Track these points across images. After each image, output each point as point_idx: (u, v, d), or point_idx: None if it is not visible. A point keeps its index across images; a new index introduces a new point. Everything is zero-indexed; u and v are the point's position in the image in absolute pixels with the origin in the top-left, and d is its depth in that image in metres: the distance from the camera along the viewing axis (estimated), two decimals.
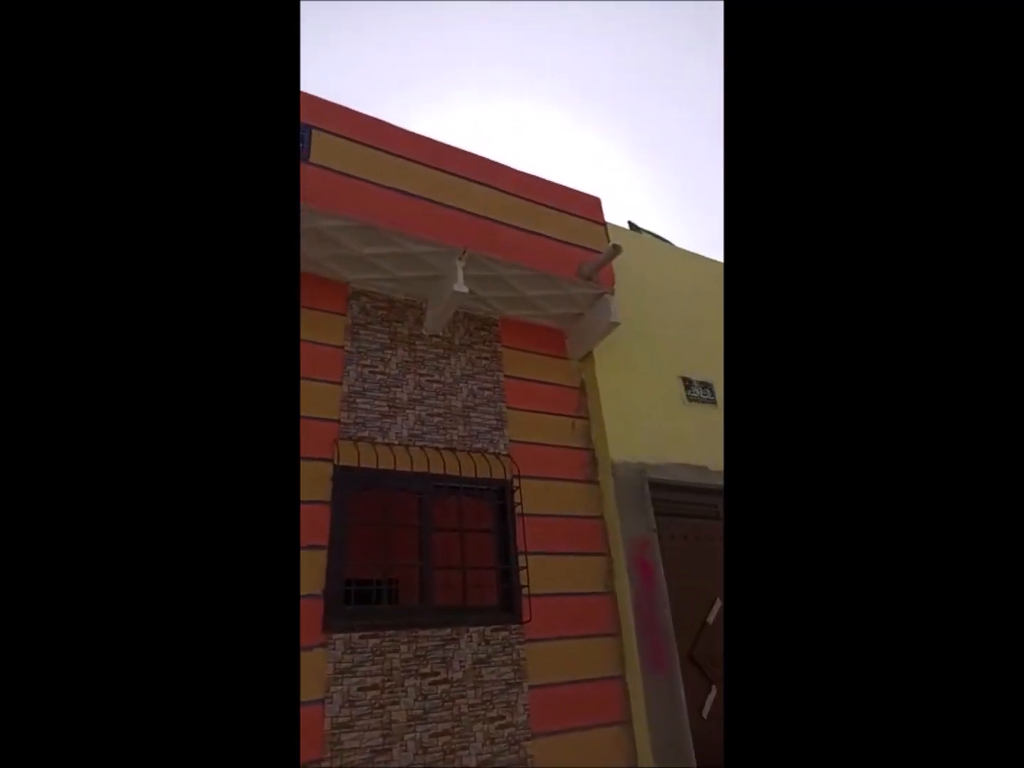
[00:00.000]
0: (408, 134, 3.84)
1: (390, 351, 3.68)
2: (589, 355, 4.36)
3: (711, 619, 4.04)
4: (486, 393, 3.91)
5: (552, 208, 4.20)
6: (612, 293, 4.18)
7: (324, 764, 2.68)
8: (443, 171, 3.83)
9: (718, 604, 4.10)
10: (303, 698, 2.73)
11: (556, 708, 3.31)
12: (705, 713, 3.74)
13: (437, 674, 3.08)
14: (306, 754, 2.66)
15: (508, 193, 4.03)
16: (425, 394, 3.68)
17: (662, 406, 4.48)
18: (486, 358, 4.03)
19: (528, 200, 4.11)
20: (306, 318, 3.46)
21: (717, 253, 5.88)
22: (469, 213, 3.79)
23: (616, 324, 4.11)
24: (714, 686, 3.85)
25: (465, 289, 3.59)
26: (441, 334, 3.93)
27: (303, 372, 3.30)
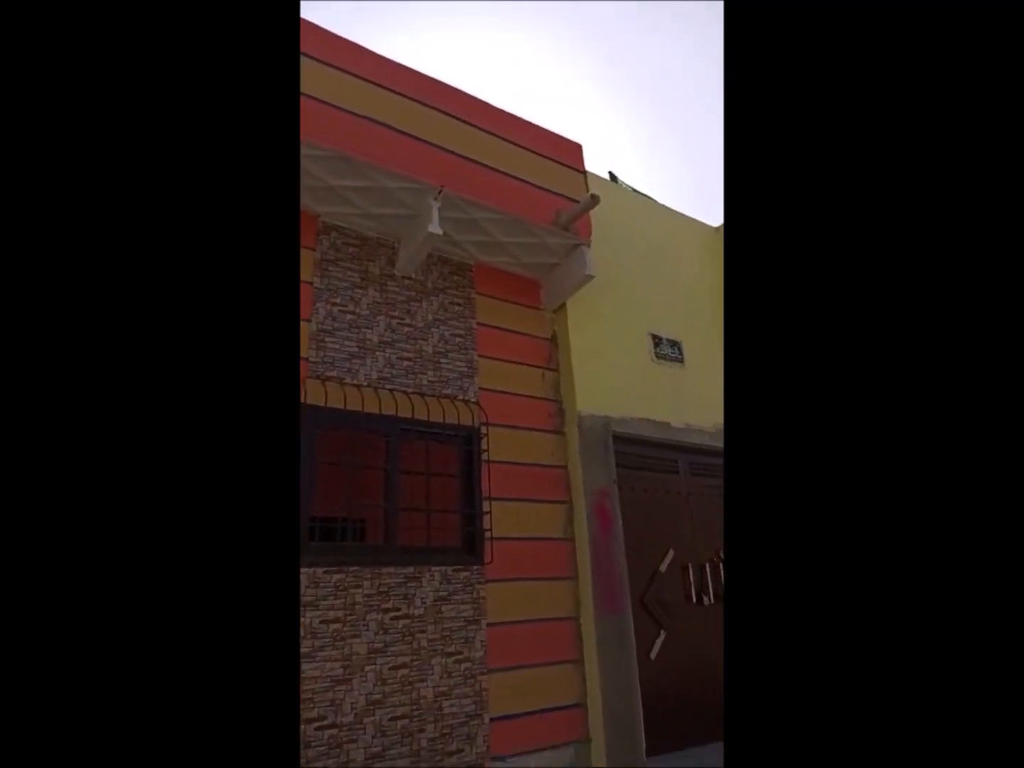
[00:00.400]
0: (383, 60, 3.65)
1: (360, 290, 3.60)
2: (562, 307, 4.35)
3: (663, 568, 4.22)
4: (457, 340, 3.88)
5: (531, 151, 4.10)
6: (588, 245, 4.14)
7: None
8: (420, 103, 3.67)
9: (671, 554, 4.28)
10: None
11: (512, 645, 3.44)
12: (653, 655, 3.95)
13: (398, 610, 3.16)
14: None
15: (487, 132, 3.91)
16: (395, 337, 3.64)
17: (630, 361, 4.53)
18: (459, 304, 3.98)
19: (507, 141, 3.99)
20: None
21: (698, 212, 5.86)
22: (445, 150, 3.67)
23: (591, 277, 4.09)
24: (663, 630, 4.05)
25: (440, 231, 3.50)
26: (413, 276, 3.85)
27: None
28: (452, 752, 3.10)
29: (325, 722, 2.81)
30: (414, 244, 3.66)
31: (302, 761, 2.70)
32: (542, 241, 4.04)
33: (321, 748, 2.77)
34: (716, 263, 5.51)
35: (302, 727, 2.75)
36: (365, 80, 3.49)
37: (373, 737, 2.91)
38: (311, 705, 2.81)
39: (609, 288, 4.53)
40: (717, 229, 5.78)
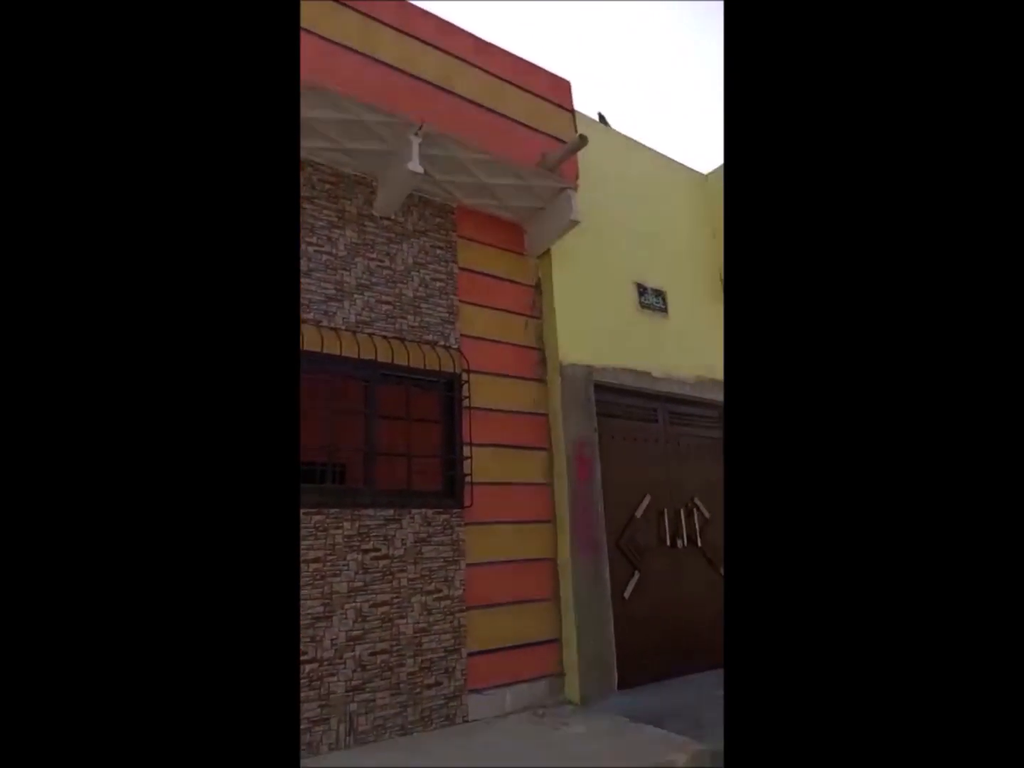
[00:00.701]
0: None
1: (338, 230, 3.50)
2: (547, 253, 4.28)
3: (639, 513, 4.32)
4: (438, 284, 3.81)
5: (517, 87, 3.93)
6: (575, 189, 4.04)
7: None
8: (399, 31, 3.48)
9: (647, 499, 4.37)
10: None
11: (490, 584, 3.53)
12: (626, 594, 4.08)
13: (379, 550, 3.21)
14: None
15: (471, 64, 3.73)
16: (374, 280, 3.56)
17: (614, 310, 4.50)
18: (440, 247, 3.89)
19: (492, 75, 3.82)
20: None
21: (689, 159, 5.70)
22: (427, 83, 3.50)
23: (576, 222, 4.01)
24: (637, 571, 4.17)
25: (420, 169, 3.38)
26: (393, 217, 3.74)
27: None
28: (431, 685, 3.21)
29: (305, 657, 2.89)
30: (393, 183, 3.54)
31: None
32: (527, 183, 3.93)
33: (302, 681, 2.85)
34: (704, 212, 5.42)
35: None
36: (341, 4, 3.29)
37: (353, 671, 3.00)
38: None
39: (595, 235, 4.45)
40: (707, 176, 5.66)
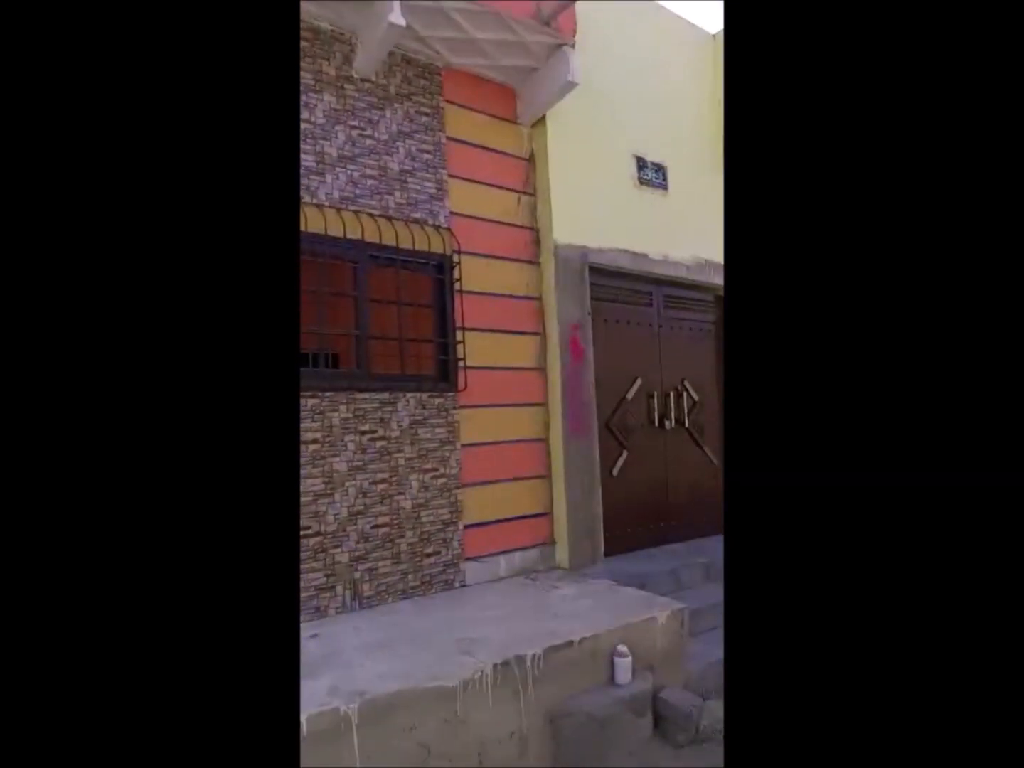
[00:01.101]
0: None
1: (315, 95, 3.19)
2: (541, 121, 3.97)
3: (630, 395, 4.39)
4: (426, 156, 3.56)
5: None
6: (572, 46, 3.67)
7: None
8: None
9: (638, 382, 4.43)
10: None
11: (485, 464, 3.64)
12: (615, 472, 4.25)
13: (375, 432, 3.26)
14: None
15: None
16: (357, 151, 3.31)
17: (612, 186, 4.27)
18: (426, 114, 3.59)
19: None
20: None
21: (697, 16, 5.16)
22: None
23: (574, 84, 3.69)
24: (625, 451, 4.32)
25: (402, 22, 3.03)
26: (374, 79, 3.41)
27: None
28: (430, 554, 3.41)
29: (310, 531, 3.02)
30: (373, 39, 3.18)
31: None
32: (520, 39, 3.56)
33: (307, 553, 3.01)
34: (711, 75, 5.01)
35: None
36: None
37: (356, 543, 3.16)
38: None
39: (592, 101, 4.11)
40: (715, 36, 5.16)
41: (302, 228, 3.04)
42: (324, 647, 2.68)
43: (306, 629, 2.87)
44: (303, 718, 2.12)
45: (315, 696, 2.24)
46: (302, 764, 2.07)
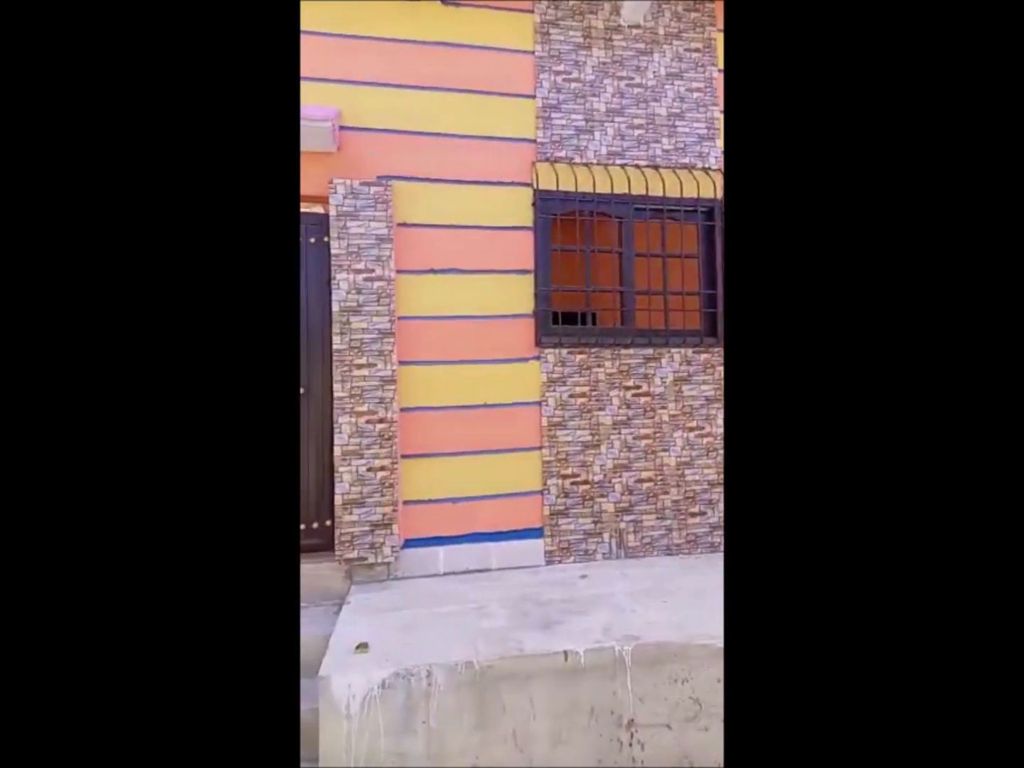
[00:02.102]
0: None
1: (584, 52, 3.21)
2: None
3: None
4: (695, 95, 3.34)
5: None
6: None
7: (543, 450, 3.14)
8: None
9: None
10: (524, 399, 3.12)
11: None
12: None
13: (639, 388, 3.27)
14: (528, 442, 3.13)
15: None
16: (625, 102, 3.25)
17: None
18: (697, 50, 3.35)
19: None
20: (487, 19, 3.08)
21: None
22: None
23: None
24: None
25: None
26: (643, 24, 3.28)
27: (489, 84, 3.06)
28: (695, 514, 3.34)
29: (579, 479, 3.19)
30: None
31: (561, 508, 3.16)
32: None
33: (576, 499, 3.19)
34: None
35: (559, 482, 3.16)
36: None
37: (621, 495, 3.24)
38: (566, 465, 3.18)
39: None
40: None
41: (572, 189, 3.12)
42: (594, 588, 2.84)
43: (576, 569, 3.07)
44: (580, 650, 2.28)
45: (590, 633, 2.39)
46: (584, 691, 2.25)
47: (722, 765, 2.22)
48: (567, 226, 3.27)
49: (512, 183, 3.12)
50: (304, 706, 2.15)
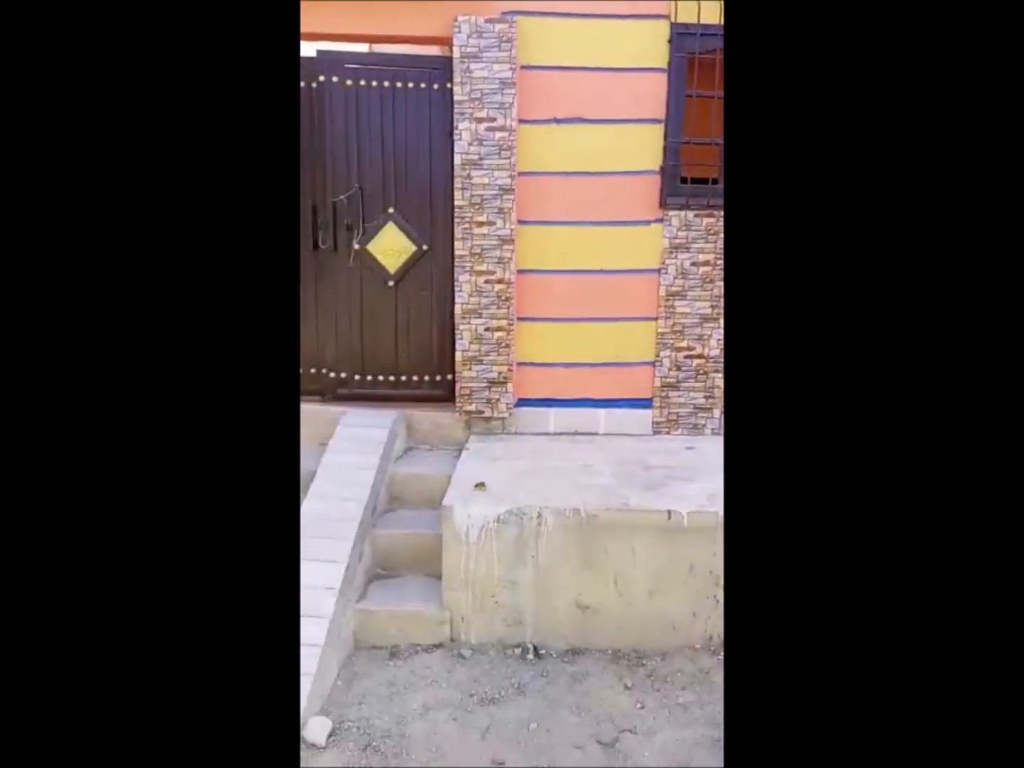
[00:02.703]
0: None
1: None
2: None
3: None
4: None
5: None
6: None
7: (659, 321, 3.05)
8: None
9: None
10: (641, 266, 2.99)
11: None
12: None
13: None
14: (644, 312, 3.04)
15: None
16: None
17: None
18: None
19: None
20: None
21: None
22: None
23: None
24: None
25: None
26: None
27: None
28: None
29: (694, 352, 3.10)
30: None
31: (673, 381, 3.10)
32: None
33: (689, 372, 3.12)
34: None
35: (672, 354, 3.08)
36: None
37: None
38: (681, 337, 3.08)
39: None
40: None
41: (716, 20, 2.72)
42: (699, 459, 2.85)
43: (683, 441, 3.08)
44: (684, 511, 2.34)
45: (694, 497, 2.44)
46: (685, 549, 2.33)
47: None
48: (707, 68, 2.89)
49: (647, 16, 2.77)
50: (431, 532, 2.42)
